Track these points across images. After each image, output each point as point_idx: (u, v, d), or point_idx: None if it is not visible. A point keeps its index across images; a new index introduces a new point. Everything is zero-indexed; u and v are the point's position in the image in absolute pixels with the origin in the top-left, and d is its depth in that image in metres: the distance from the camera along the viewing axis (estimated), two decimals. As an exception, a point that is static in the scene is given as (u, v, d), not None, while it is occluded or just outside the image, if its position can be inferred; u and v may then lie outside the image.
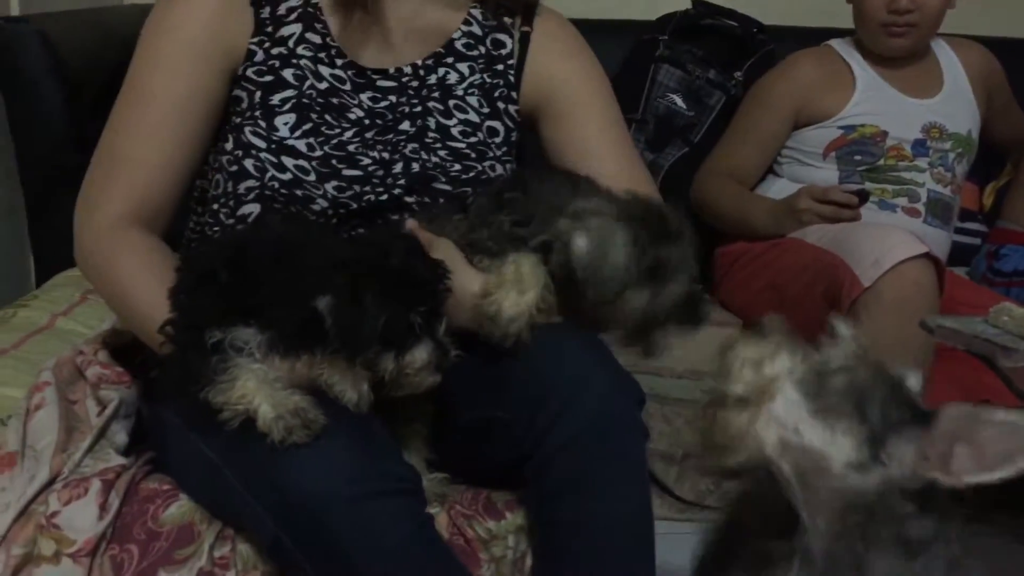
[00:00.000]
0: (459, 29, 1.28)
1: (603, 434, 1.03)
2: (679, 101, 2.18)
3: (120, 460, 1.14)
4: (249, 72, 1.20)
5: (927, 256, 1.62)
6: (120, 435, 1.19)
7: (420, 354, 0.99)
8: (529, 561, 1.10)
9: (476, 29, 1.29)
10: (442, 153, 1.23)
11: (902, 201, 1.93)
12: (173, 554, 1.08)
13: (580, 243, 1.04)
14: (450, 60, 1.27)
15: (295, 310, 0.97)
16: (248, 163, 1.17)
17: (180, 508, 1.11)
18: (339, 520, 0.95)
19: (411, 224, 1.14)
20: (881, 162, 1.94)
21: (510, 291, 1.04)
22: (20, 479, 1.09)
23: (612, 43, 2.18)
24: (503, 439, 1.08)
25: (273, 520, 0.98)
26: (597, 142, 1.30)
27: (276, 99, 1.19)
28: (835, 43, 2.04)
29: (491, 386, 1.09)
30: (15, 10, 1.79)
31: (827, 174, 1.96)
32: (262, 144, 1.17)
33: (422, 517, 1.02)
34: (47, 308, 1.54)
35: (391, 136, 1.22)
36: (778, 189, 1.99)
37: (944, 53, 2.04)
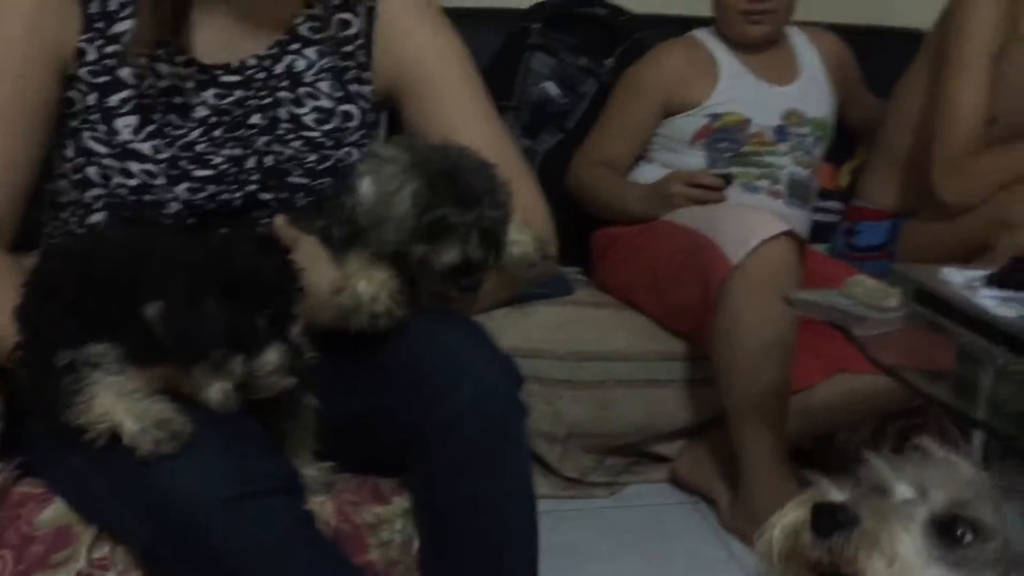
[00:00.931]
0: (301, 13, 1.22)
1: (482, 415, 1.04)
2: (552, 88, 2.22)
3: (-11, 465, 1.10)
4: (82, 72, 1.14)
5: (789, 234, 1.71)
6: (-12, 439, 1.14)
7: (271, 357, 0.97)
8: (416, 543, 1.12)
9: (319, 10, 1.22)
10: (296, 144, 1.19)
11: (764, 183, 2.02)
12: (50, 558, 1.04)
13: (365, 187, 1.07)
14: (296, 47, 1.21)
15: (134, 320, 0.94)
16: (91, 171, 1.14)
17: (55, 511, 1.07)
18: (214, 524, 0.93)
19: (278, 222, 1.12)
20: (745, 148, 2.02)
21: (360, 277, 1.05)
22: None
23: (486, 32, 2.19)
24: (386, 426, 1.08)
25: (147, 528, 0.96)
26: (457, 117, 1.24)
27: (114, 100, 1.14)
28: (699, 33, 2.11)
29: (370, 375, 1.09)
30: None
31: (696, 160, 2.03)
32: (103, 149, 1.14)
33: (300, 514, 1.01)
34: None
35: (241, 132, 1.18)
36: (648, 174, 2.06)
37: (800, 40, 2.14)
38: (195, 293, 0.93)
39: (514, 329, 1.84)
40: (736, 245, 1.70)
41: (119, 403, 0.93)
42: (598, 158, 2.07)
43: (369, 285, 1.05)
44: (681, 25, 2.18)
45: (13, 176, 1.14)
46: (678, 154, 2.05)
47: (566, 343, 1.92)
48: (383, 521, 1.11)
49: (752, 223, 1.73)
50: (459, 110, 1.25)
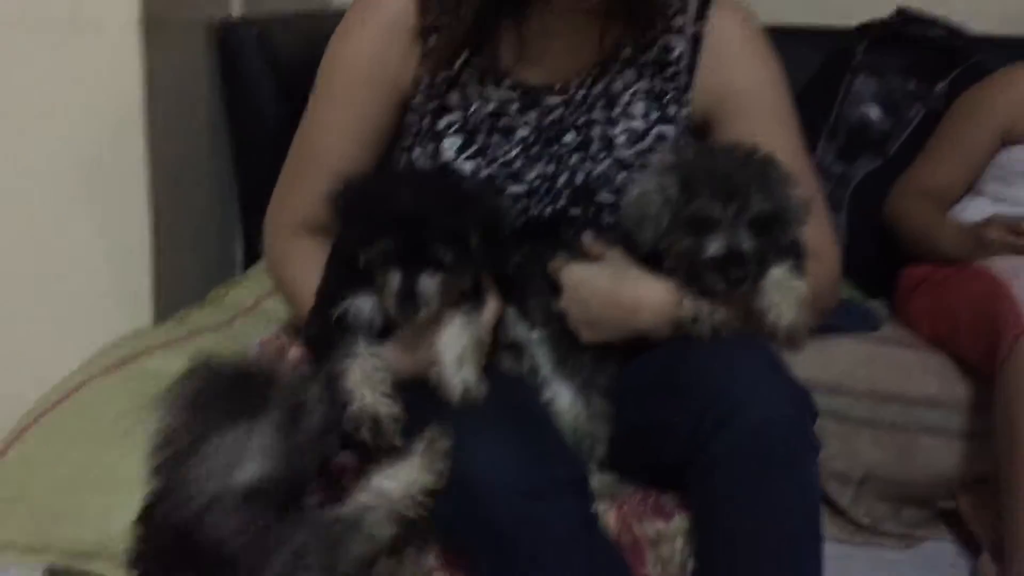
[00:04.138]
0: (625, 37, 1.24)
1: (769, 445, 1.01)
2: (874, 112, 2.11)
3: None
4: (417, 98, 1.24)
5: None
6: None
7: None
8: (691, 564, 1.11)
9: (643, 35, 1.25)
10: (606, 163, 1.23)
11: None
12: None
13: (631, 192, 1.15)
14: (616, 68, 1.25)
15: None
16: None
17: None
18: (508, 513, 0.98)
19: (586, 238, 1.17)
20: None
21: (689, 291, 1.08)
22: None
23: (807, 50, 2.13)
24: (669, 443, 1.08)
25: (449, 505, 1.01)
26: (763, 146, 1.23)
27: (443, 123, 1.23)
28: (1054, 58, 1.92)
29: (659, 390, 1.10)
30: (236, 12, 1.93)
31: (1033, 196, 1.85)
32: (429, 167, 1.22)
33: (589, 516, 1.04)
34: (254, 291, 1.66)
35: (555, 148, 1.23)
36: (976, 208, 1.90)
37: None
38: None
39: (813, 361, 1.76)
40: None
41: (361, 384, 1.02)
42: (923, 187, 1.94)
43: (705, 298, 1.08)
44: (1026, 48, 1.99)
45: None
46: (1012, 187, 1.87)
47: (867, 380, 1.81)
48: (664, 538, 1.11)
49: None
50: (767, 143, 1.22)
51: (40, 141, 1.62)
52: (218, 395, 0.89)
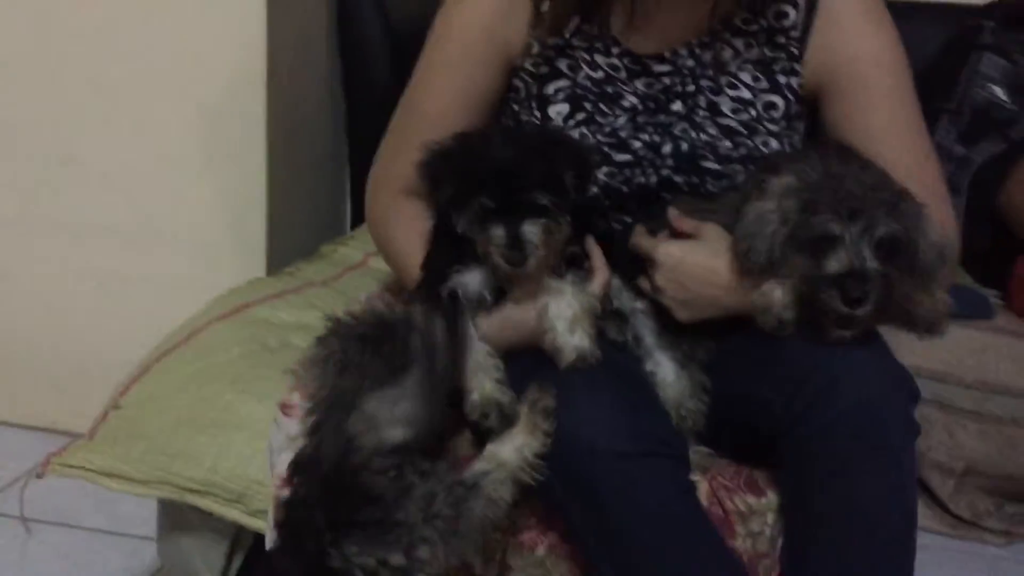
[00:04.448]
0: (735, 3, 1.22)
1: (863, 424, 1.00)
2: (1001, 93, 2.02)
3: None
4: (527, 64, 1.24)
5: None
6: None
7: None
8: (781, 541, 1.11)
9: (758, 2, 1.22)
10: (712, 131, 1.21)
11: None
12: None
13: (746, 216, 1.09)
14: (726, 36, 1.23)
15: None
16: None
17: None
18: (605, 475, 0.99)
19: (672, 214, 1.16)
20: None
21: (776, 284, 1.05)
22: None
23: (933, 26, 2.06)
24: (763, 416, 1.07)
25: (549, 465, 1.02)
26: (881, 127, 1.20)
27: (551, 89, 1.23)
28: None
29: (755, 363, 1.09)
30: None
31: None
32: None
33: (685, 483, 1.05)
34: (361, 248, 1.71)
35: (661, 117, 1.22)
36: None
37: None
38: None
39: (918, 346, 1.71)
40: None
41: (474, 375, 1.06)
42: (1046, 173, 1.86)
43: (785, 294, 1.05)
44: None
45: None
46: None
47: (976, 370, 1.75)
48: (755, 512, 1.11)
49: None
50: (885, 120, 1.20)
51: (169, 98, 1.70)
52: (365, 353, 0.97)
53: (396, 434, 0.96)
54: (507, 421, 1.04)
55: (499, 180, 1.02)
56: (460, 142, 1.09)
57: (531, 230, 1.02)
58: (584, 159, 1.09)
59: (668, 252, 1.14)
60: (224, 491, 1.29)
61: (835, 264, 1.02)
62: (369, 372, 0.96)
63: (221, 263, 1.71)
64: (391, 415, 0.96)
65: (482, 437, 1.06)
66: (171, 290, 1.75)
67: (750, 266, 1.07)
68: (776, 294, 1.05)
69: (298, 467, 0.99)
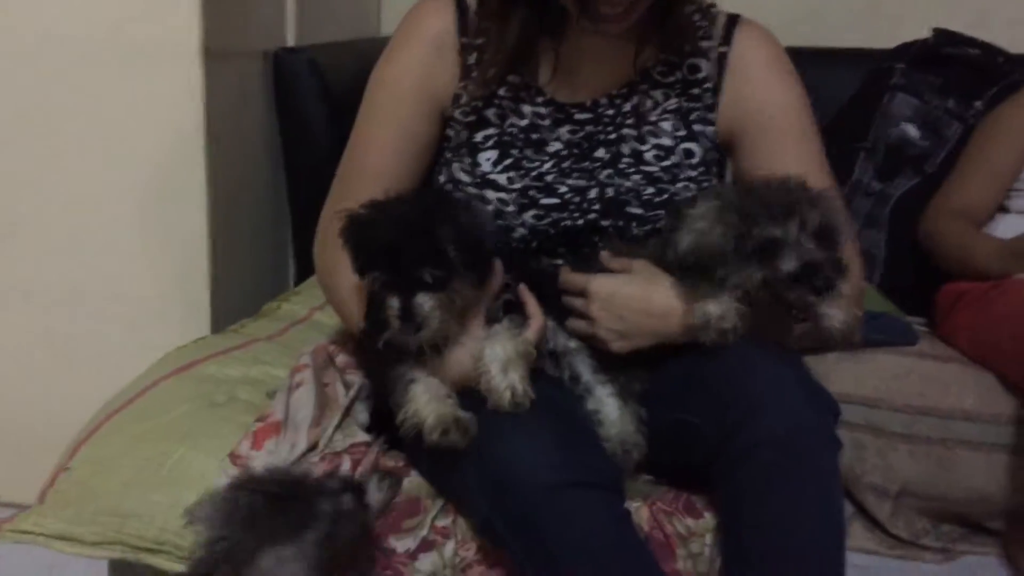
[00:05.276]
0: (654, 57, 1.30)
1: (783, 443, 1.05)
2: (912, 130, 2.13)
3: (364, 437, 1.29)
4: (456, 113, 1.31)
5: None
6: (362, 414, 1.34)
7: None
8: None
9: (672, 56, 1.30)
10: (635, 177, 1.28)
11: None
12: (401, 523, 1.20)
13: (683, 241, 1.16)
14: (644, 87, 1.30)
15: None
16: (456, 196, 1.29)
17: (411, 483, 1.23)
18: (541, 507, 1.02)
19: (604, 256, 1.22)
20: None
21: (709, 299, 1.12)
22: (283, 445, 1.25)
23: (847, 70, 2.16)
24: (694, 442, 1.13)
25: (486, 503, 1.07)
26: (789, 168, 1.24)
27: (479, 136, 1.29)
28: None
29: (683, 390, 1.15)
30: (290, 42, 2.03)
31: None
32: (467, 179, 1.29)
33: (620, 511, 1.08)
34: (306, 303, 1.74)
35: (586, 164, 1.29)
36: (1007, 225, 1.91)
37: None
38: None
39: (847, 374, 1.78)
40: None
41: (429, 403, 1.09)
42: (954, 207, 1.95)
43: (717, 306, 1.11)
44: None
45: None
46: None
47: (903, 394, 1.82)
48: (694, 534, 1.15)
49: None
50: (792, 161, 1.28)
51: (111, 163, 1.72)
52: (267, 510, 0.99)
53: None
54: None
55: (389, 256, 1.08)
56: (369, 212, 1.13)
57: (423, 303, 1.07)
58: (469, 232, 1.12)
59: (601, 284, 1.19)
60: (176, 548, 1.29)
61: (789, 264, 1.10)
62: (272, 529, 0.97)
63: (167, 324, 1.72)
64: (281, 573, 0.96)
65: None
66: (120, 350, 1.75)
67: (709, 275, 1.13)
68: (710, 308, 1.12)
69: None
